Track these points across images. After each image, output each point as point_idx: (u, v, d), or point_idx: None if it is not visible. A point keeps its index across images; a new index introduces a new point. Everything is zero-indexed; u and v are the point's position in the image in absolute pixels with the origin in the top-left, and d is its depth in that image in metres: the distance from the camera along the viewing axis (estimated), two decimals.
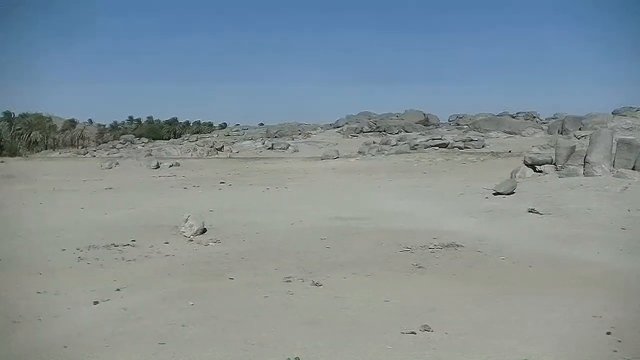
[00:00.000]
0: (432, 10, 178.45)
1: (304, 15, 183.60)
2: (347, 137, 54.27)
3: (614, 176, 19.86)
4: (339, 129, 59.77)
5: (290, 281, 9.11)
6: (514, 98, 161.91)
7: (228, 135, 64.21)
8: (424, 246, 11.65)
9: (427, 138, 43.02)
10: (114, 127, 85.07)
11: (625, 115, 41.60)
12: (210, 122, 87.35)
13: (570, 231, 13.72)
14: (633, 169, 20.27)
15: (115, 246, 11.68)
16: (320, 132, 59.82)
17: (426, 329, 6.92)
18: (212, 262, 10.57)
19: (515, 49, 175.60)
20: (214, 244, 12.09)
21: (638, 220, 14.39)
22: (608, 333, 6.80)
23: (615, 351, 6.31)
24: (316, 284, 8.93)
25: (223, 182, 25.08)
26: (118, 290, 8.70)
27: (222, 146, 49.88)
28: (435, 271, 9.88)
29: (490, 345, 6.52)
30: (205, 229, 13.10)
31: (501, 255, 11.02)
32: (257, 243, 12.26)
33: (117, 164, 35.08)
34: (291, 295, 8.41)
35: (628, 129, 37.04)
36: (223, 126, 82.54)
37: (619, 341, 6.56)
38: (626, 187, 18.16)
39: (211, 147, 48.78)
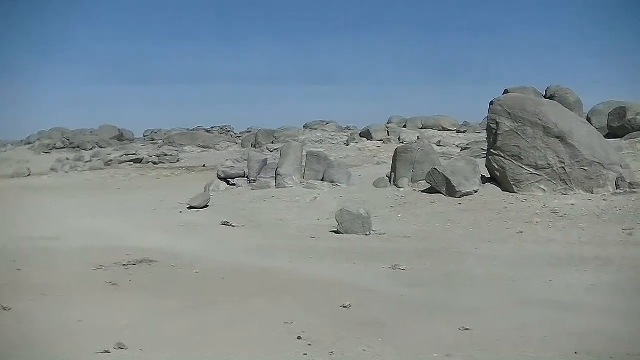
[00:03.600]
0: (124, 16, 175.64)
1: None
2: (40, 154, 51.99)
3: (304, 187, 20.85)
4: (31, 145, 57.28)
5: None
6: (209, 113, 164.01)
7: None
8: (117, 263, 11.41)
9: (122, 153, 42.31)
10: None
11: (316, 129, 43.83)
12: None
13: (262, 242, 14.15)
14: (322, 180, 21.42)
15: None
16: (10, 149, 56.75)
17: (121, 346, 6.78)
18: None
19: (208, 63, 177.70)
20: None
21: (327, 228, 15.16)
22: (299, 338, 7.10)
23: (306, 354, 6.60)
24: (4, 309, 8.41)
25: None
26: None
27: None
28: (129, 288, 9.72)
29: (184, 358, 6.55)
30: None
31: (195, 269, 11.10)
32: None
33: None
34: None
35: (318, 141, 39.13)
36: None
37: (309, 345, 6.87)
38: (315, 198, 19.12)
39: None
